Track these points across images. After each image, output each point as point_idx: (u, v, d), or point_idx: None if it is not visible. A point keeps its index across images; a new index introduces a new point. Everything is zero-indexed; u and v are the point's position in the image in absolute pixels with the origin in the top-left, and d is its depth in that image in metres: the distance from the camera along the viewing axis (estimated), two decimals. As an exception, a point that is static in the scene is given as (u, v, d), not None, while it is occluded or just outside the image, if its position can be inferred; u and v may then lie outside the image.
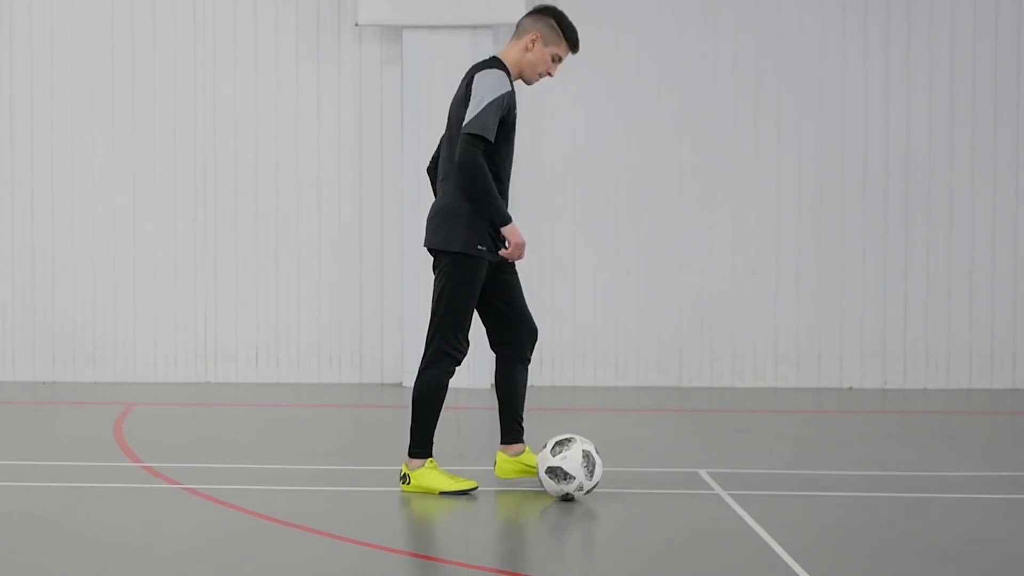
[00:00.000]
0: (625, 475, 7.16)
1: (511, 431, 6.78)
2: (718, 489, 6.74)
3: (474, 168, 6.36)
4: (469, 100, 6.46)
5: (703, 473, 7.15)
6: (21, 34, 11.13)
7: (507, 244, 6.52)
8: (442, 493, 6.57)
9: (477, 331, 10.81)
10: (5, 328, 11.21)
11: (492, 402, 9.64)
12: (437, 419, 6.66)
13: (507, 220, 6.44)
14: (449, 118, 6.66)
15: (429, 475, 6.61)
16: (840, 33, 11.05)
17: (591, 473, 6.46)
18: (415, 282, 10.90)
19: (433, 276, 6.66)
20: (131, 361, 11.20)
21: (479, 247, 6.52)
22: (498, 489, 6.74)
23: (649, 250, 11.12)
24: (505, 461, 6.77)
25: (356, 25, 10.92)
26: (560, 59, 6.73)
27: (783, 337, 11.13)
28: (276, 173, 11.16)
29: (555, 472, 6.46)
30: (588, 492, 6.51)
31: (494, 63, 6.58)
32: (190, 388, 10.95)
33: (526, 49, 6.67)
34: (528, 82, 6.76)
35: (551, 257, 10.97)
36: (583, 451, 6.45)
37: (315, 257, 11.18)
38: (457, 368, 6.64)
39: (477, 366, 10.83)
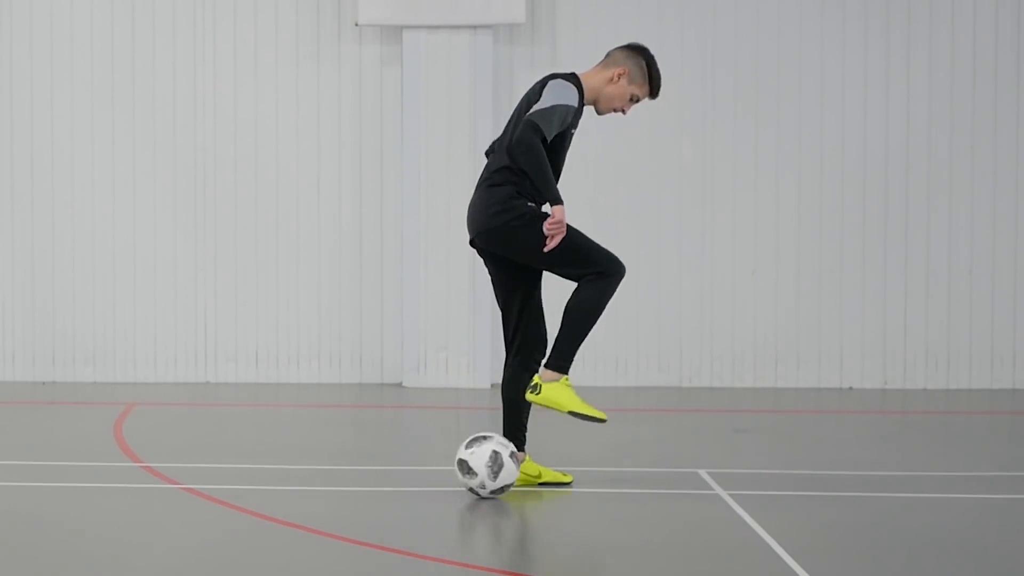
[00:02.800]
0: (625, 475, 7.16)
1: (514, 439, 6.77)
2: (718, 489, 6.74)
3: (532, 146, 6.31)
4: (533, 96, 6.52)
5: (703, 473, 7.15)
6: (21, 34, 11.13)
7: (547, 223, 6.39)
8: (571, 412, 6.45)
9: (481, 329, 10.85)
10: (5, 328, 11.21)
11: (492, 402, 9.66)
12: (588, 334, 6.59)
13: (559, 200, 6.36)
14: (510, 119, 6.68)
15: (562, 390, 6.48)
16: (840, 34, 11.05)
17: (495, 474, 6.40)
18: (415, 282, 10.90)
19: (499, 260, 6.63)
20: (131, 361, 11.20)
21: (530, 204, 6.52)
22: (498, 489, 6.73)
23: (649, 250, 11.12)
24: (506, 469, 6.76)
25: (356, 25, 10.92)
26: (638, 100, 6.77)
27: (783, 337, 11.13)
28: (276, 173, 11.16)
29: (461, 464, 6.43)
30: (493, 493, 6.43)
31: (572, 79, 6.63)
32: (190, 388, 10.95)
33: (611, 80, 6.70)
34: (599, 112, 6.79)
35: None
36: (492, 451, 6.41)
37: (315, 257, 11.18)
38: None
39: (477, 366, 10.84)
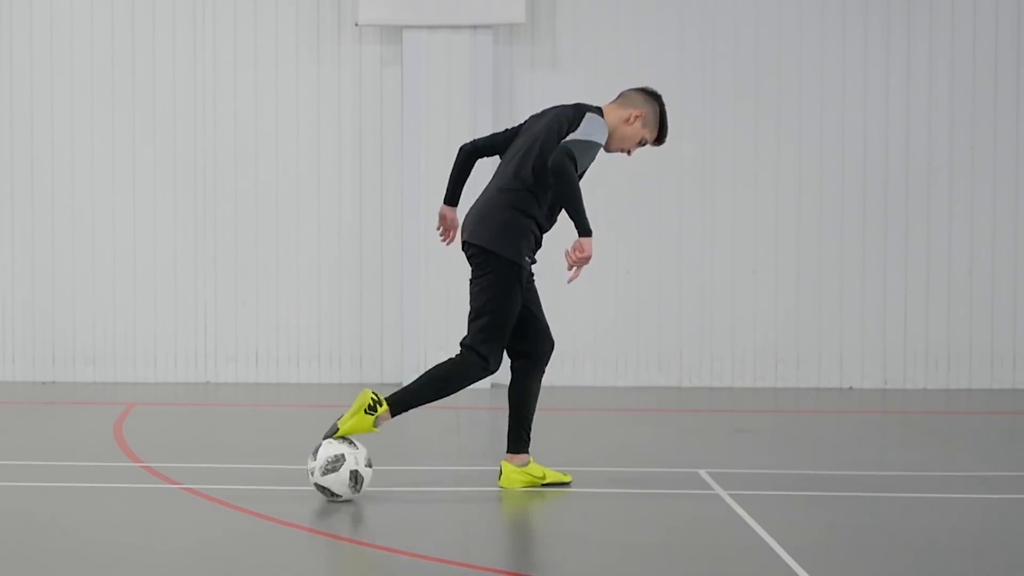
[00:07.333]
0: (625, 475, 7.17)
1: (518, 441, 6.77)
2: (718, 489, 6.74)
3: (571, 175, 6.37)
4: (568, 120, 6.55)
5: (703, 473, 7.15)
6: (21, 34, 11.13)
7: (573, 251, 6.43)
8: (337, 430, 6.44)
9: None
10: (5, 328, 11.21)
11: (492, 402, 9.66)
12: (430, 402, 6.63)
13: (589, 232, 6.43)
14: (527, 129, 6.68)
15: (363, 424, 6.45)
16: (840, 33, 11.05)
17: (357, 488, 6.43)
18: (415, 282, 10.91)
19: (471, 269, 6.67)
20: (131, 361, 11.20)
21: (526, 258, 6.59)
22: (498, 489, 6.74)
23: (649, 250, 11.12)
24: (511, 471, 6.76)
25: (356, 25, 10.92)
26: (645, 144, 6.82)
27: (783, 337, 11.13)
28: (276, 173, 11.16)
29: (323, 490, 6.42)
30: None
31: (602, 115, 6.66)
32: (190, 388, 10.95)
33: (627, 121, 6.73)
34: (608, 150, 6.81)
35: (551, 257, 10.95)
36: (350, 471, 6.40)
37: (315, 257, 11.18)
38: (480, 382, 6.66)
39: (477, 366, 10.84)
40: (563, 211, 6.61)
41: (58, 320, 11.18)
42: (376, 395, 6.53)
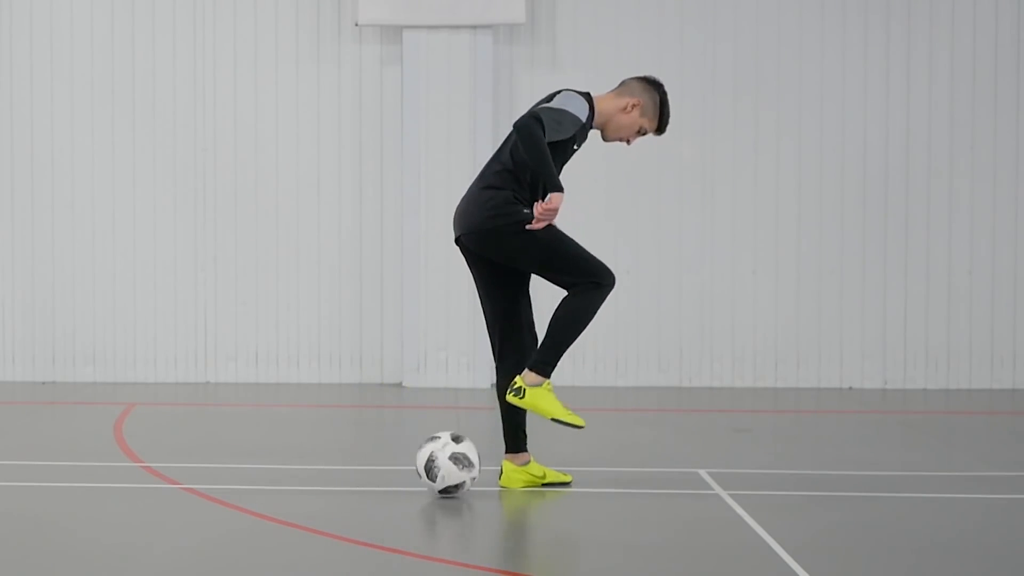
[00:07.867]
0: (625, 475, 7.16)
1: (516, 440, 6.75)
2: (718, 489, 6.74)
3: (534, 132, 6.21)
4: (544, 101, 6.49)
5: (703, 473, 7.15)
6: (21, 33, 11.13)
7: (541, 203, 6.34)
8: (553, 419, 6.42)
9: (481, 329, 10.84)
10: (5, 328, 11.22)
11: (492, 402, 9.65)
12: (575, 339, 6.53)
13: (559, 187, 6.27)
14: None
15: (546, 396, 6.41)
16: (840, 33, 11.06)
17: (431, 474, 6.45)
18: (415, 282, 10.91)
19: (495, 259, 6.58)
20: (131, 361, 11.20)
21: (524, 211, 6.47)
22: (498, 489, 6.74)
23: (649, 250, 11.12)
24: (512, 471, 6.75)
25: (356, 25, 10.92)
26: (644, 133, 6.74)
27: (783, 337, 11.13)
28: (276, 173, 11.17)
29: (459, 459, 6.43)
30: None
31: (586, 96, 6.58)
32: (190, 388, 10.95)
33: (624, 110, 6.66)
34: (605, 139, 6.74)
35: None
36: (431, 453, 6.45)
37: (315, 257, 11.19)
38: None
39: (477, 366, 10.84)
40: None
41: (58, 320, 11.19)
42: (520, 380, 6.45)
